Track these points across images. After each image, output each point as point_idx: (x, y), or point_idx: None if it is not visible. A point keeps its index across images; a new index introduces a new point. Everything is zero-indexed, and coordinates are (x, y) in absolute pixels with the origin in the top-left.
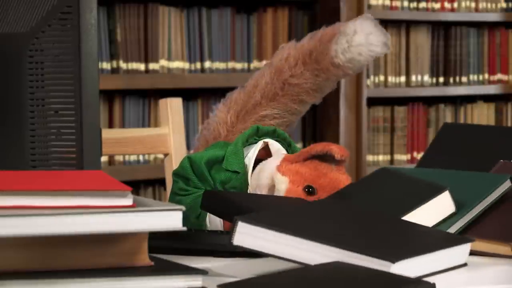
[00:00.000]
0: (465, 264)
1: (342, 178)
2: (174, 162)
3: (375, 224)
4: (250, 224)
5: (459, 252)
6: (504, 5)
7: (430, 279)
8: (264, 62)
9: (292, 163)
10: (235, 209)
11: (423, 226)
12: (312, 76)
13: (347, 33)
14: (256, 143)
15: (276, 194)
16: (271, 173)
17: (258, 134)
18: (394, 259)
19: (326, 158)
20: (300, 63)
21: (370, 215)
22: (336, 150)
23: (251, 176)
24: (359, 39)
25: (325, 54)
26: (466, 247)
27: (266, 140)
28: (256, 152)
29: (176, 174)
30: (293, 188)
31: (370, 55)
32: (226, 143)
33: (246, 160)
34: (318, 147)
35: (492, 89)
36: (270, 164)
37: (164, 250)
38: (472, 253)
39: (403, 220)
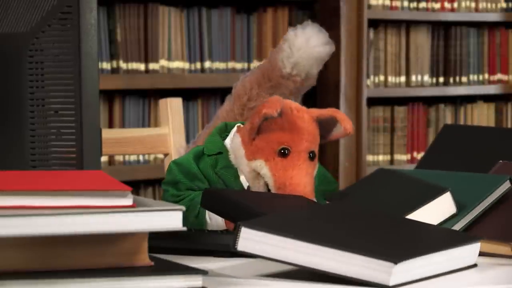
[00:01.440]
0: (475, 265)
1: (300, 116)
2: None
3: (379, 224)
4: (253, 229)
5: (468, 252)
6: (504, 5)
7: (436, 280)
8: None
9: (251, 144)
10: (235, 207)
11: (429, 225)
12: (268, 95)
13: (288, 39)
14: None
15: (263, 179)
16: (246, 165)
17: (227, 130)
18: (396, 259)
19: (268, 120)
20: (255, 85)
21: (374, 216)
22: (267, 111)
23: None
24: (300, 41)
25: (274, 68)
26: (475, 247)
27: (239, 124)
28: (232, 135)
29: (165, 183)
30: (272, 164)
31: (313, 57)
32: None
33: (226, 144)
34: (255, 120)
35: (492, 89)
36: (237, 150)
37: (164, 250)
38: None
39: (408, 219)
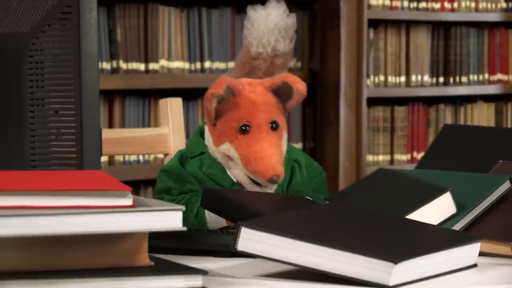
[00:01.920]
0: (475, 265)
1: (253, 90)
2: None
3: (379, 224)
4: (253, 229)
5: (468, 252)
6: (504, 5)
7: (436, 280)
8: None
9: (215, 129)
10: (235, 207)
11: (429, 225)
12: None
13: (250, 16)
14: None
15: (234, 162)
16: (217, 152)
17: None
18: (396, 259)
19: (223, 101)
20: (234, 78)
21: (374, 216)
22: (213, 91)
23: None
24: (259, 15)
25: (245, 53)
26: (475, 247)
27: None
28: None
29: (157, 192)
30: (236, 144)
31: (274, 28)
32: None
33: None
34: (206, 104)
35: (492, 89)
36: (208, 140)
37: (164, 250)
38: None
39: (408, 219)
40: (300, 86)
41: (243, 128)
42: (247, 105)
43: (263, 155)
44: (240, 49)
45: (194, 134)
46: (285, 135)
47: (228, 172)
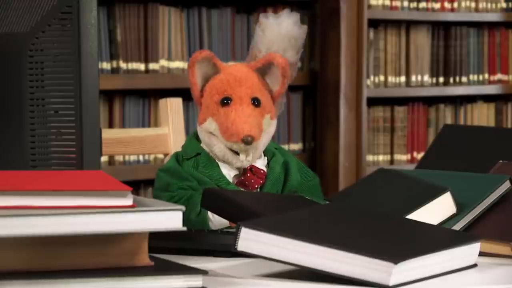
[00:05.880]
0: (475, 265)
1: (238, 68)
2: None
3: (379, 224)
4: (253, 229)
5: (468, 252)
6: (504, 5)
7: (436, 280)
8: None
9: (201, 108)
10: (235, 207)
11: (430, 225)
12: None
13: (261, 23)
14: None
15: (216, 136)
16: (201, 132)
17: None
18: (396, 259)
19: (208, 71)
20: None
21: (374, 216)
22: (193, 57)
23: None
24: (271, 23)
25: (253, 59)
26: (475, 247)
27: None
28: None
29: (156, 189)
30: (217, 116)
31: (285, 37)
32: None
33: (202, 145)
34: (191, 75)
35: (492, 89)
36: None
37: (164, 250)
38: None
39: (408, 219)
40: (279, 59)
41: (225, 101)
42: (229, 79)
43: (238, 120)
44: (247, 55)
45: (190, 137)
46: (268, 117)
47: (224, 173)
